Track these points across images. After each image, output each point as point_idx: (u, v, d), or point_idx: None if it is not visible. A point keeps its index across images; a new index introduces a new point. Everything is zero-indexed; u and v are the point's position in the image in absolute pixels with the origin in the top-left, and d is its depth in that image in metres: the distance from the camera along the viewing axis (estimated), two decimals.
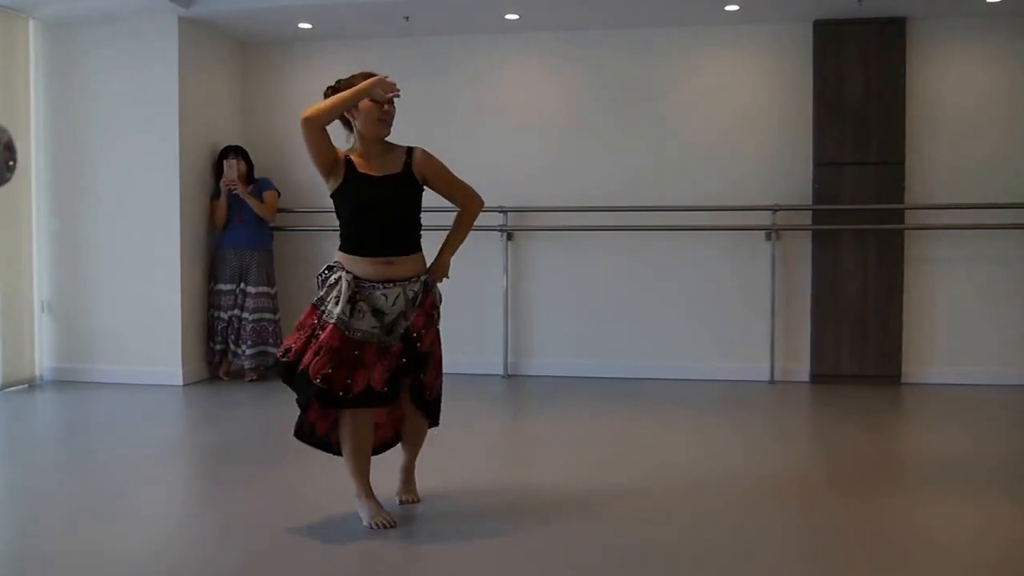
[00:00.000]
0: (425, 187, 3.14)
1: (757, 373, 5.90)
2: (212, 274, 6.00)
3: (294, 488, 3.53)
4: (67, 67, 5.86)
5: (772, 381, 5.85)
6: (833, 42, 5.75)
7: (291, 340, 3.00)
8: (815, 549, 2.90)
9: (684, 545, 2.89)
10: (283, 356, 2.98)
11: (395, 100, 3.06)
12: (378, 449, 3.22)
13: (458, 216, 3.27)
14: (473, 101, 6.21)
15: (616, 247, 6.07)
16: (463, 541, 2.92)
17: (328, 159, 3.00)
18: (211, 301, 5.98)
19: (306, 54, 6.34)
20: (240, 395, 5.51)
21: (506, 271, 6.12)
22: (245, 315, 5.87)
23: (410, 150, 3.12)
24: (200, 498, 3.65)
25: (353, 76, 3.07)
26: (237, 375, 6.01)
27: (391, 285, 3.00)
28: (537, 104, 6.18)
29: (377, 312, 2.98)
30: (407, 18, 5.73)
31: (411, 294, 3.03)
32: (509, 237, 6.13)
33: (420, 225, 3.15)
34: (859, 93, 5.72)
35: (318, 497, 3.32)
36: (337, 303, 2.94)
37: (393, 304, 3.00)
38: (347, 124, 3.10)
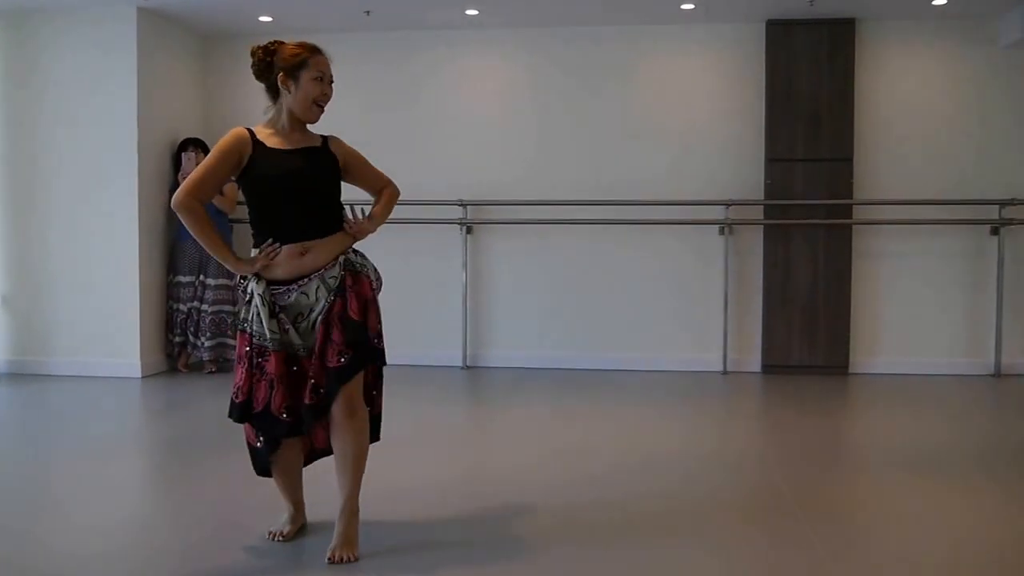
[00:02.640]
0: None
1: (710, 364, 6.04)
2: (171, 266, 5.99)
3: (253, 480, 3.56)
4: (23, 58, 5.81)
5: (725, 372, 5.99)
6: (785, 41, 5.90)
7: (237, 377, 2.74)
8: (768, 530, 3.01)
9: (637, 529, 2.98)
10: (236, 397, 2.72)
11: (332, 91, 2.80)
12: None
13: (379, 197, 2.95)
14: (433, 95, 6.27)
15: (573, 241, 6.17)
16: (423, 533, 2.99)
17: (236, 168, 2.73)
18: (170, 293, 5.97)
19: None
20: (199, 387, 5.52)
21: (465, 264, 6.19)
22: (204, 307, 5.88)
23: (326, 137, 2.86)
24: (157, 490, 3.67)
25: (300, 44, 2.73)
26: (196, 367, 6.02)
27: (305, 280, 2.70)
28: (496, 100, 6.25)
29: (298, 316, 2.72)
30: (368, 12, 5.77)
31: (331, 281, 2.71)
32: (468, 230, 6.20)
33: (341, 206, 2.82)
34: (810, 91, 5.87)
35: (276, 487, 3.35)
36: (262, 323, 2.68)
37: (316, 299, 2.71)
38: (275, 94, 2.78)
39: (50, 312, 5.85)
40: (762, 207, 5.97)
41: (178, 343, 5.95)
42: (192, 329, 5.90)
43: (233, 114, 6.40)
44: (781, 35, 5.90)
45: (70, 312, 5.81)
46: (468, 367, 6.19)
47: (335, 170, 2.81)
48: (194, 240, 5.74)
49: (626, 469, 3.67)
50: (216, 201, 5.89)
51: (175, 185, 5.97)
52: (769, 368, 5.98)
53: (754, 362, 6.04)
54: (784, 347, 5.96)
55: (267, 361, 2.70)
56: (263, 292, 2.70)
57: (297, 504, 2.94)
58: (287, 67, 2.73)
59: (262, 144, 2.75)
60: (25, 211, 5.86)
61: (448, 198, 6.12)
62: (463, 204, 6.13)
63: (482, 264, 6.27)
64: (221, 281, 5.91)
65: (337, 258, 2.73)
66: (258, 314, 2.70)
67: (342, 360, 2.65)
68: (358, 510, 2.75)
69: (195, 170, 2.73)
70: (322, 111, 2.79)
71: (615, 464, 3.74)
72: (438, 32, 6.24)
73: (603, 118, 6.14)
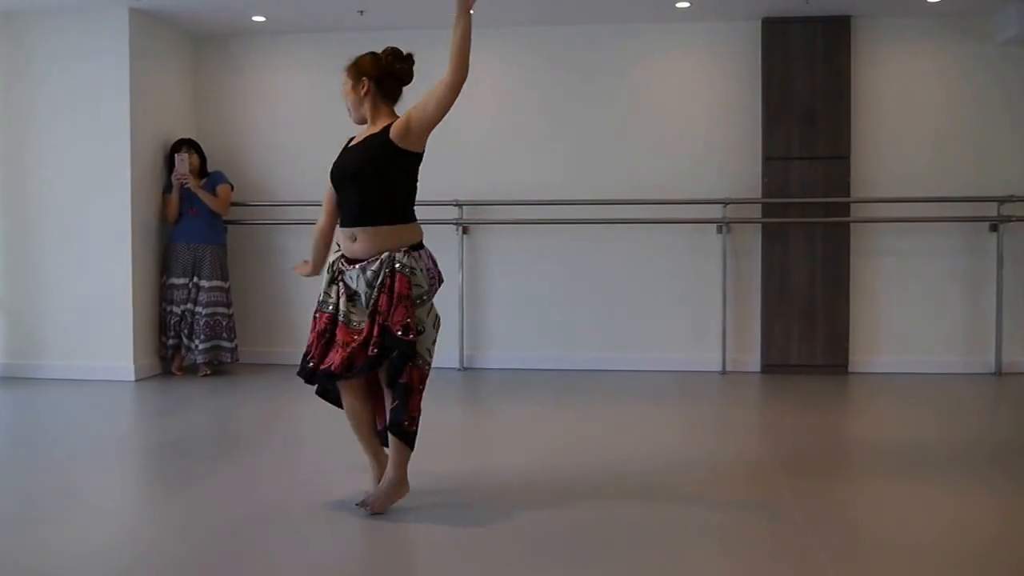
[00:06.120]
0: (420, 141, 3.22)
1: (709, 364, 6.01)
2: (165, 268, 5.94)
3: (248, 482, 3.52)
4: (15, 58, 5.76)
5: (724, 372, 5.95)
6: (781, 39, 5.88)
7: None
8: (766, 531, 2.98)
9: (638, 530, 2.94)
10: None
11: (345, 95, 3.20)
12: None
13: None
14: None
15: (571, 240, 6.13)
16: (421, 532, 2.95)
17: None
18: (164, 295, 5.92)
19: (260, 47, 6.30)
20: (193, 390, 5.47)
21: (461, 265, 6.15)
22: (198, 309, 5.82)
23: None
24: (153, 494, 3.62)
25: (384, 54, 3.33)
26: (190, 370, 5.97)
27: (353, 266, 2.96)
28: (492, 99, 6.22)
29: (353, 295, 2.97)
30: (362, 12, 5.73)
31: (370, 275, 2.92)
32: (464, 231, 6.16)
33: (388, 197, 3.02)
34: (806, 89, 5.85)
35: (272, 491, 3.31)
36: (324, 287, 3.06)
37: (356, 285, 2.96)
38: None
39: (43, 315, 5.79)
40: (760, 206, 5.95)
41: (172, 346, 5.89)
42: (186, 331, 5.85)
43: (227, 114, 6.36)
44: (777, 33, 5.88)
45: (63, 314, 5.75)
46: (465, 368, 6.15)
47: (388, 159, 3.10)
48: (187, 242, 5.85)
49: (629, 472, 3.63)
50: (208, 202, 5.85)
51: (169, 187, 5.93)
52: (768, 368, 5.95)
53: (753, 362, 6.01)
54: (783, 346, 5.93)
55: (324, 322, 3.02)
56: (334, 261, 3.02)
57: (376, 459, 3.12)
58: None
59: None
60: (17, 213, 5.80)
61: (444, 198, 6.08)
62: (459, 204, 6.09)
63: (479, 265, 6.23)
64: (215, 283, 5.86)
65: (379, 255, 2.92)
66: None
67: (374, 351, 2.89)
68: (398, 480, 3.01)
69: None
70: (350, 114, 3.16)
71: (616, 467, 3.70)
72: (433, 31, 6.18)
73: (599, 117, 6.11)
